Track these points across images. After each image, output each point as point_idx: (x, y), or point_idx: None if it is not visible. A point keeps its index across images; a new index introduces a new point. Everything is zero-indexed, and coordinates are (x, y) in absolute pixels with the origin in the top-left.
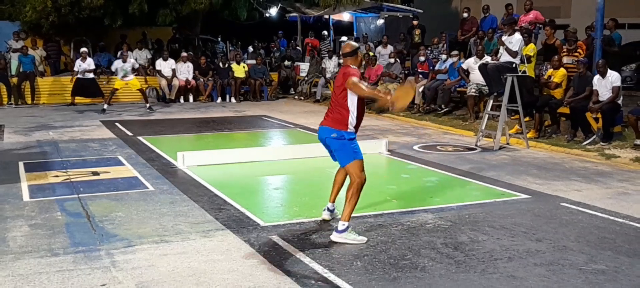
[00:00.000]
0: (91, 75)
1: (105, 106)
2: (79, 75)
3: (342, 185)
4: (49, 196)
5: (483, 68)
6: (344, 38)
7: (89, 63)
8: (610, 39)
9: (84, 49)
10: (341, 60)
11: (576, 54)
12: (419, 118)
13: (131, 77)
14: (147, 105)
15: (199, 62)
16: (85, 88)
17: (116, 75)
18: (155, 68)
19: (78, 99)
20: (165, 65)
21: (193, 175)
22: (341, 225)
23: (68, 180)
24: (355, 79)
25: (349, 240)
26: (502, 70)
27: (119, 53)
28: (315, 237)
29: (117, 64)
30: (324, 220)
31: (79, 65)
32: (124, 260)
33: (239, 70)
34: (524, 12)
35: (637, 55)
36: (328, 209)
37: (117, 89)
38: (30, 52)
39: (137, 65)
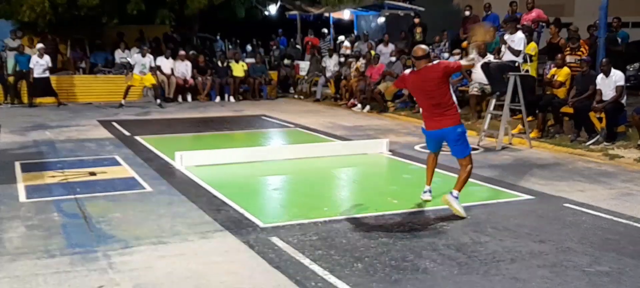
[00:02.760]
0: (47, 74)
1: (123, 102)
2: (36, 75)
3: (434, 168)
4: (45, 197)
5: (485, 67)
6: (341, 37)
7: (46, 60)
8: (614, 38)
9: (40, 45)
10: (341, 59)
11: (579, 52)
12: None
13: (147, 72)
14: (158, 101)
15: (198, 61)
16: (40, 87)
17: (129, 70)
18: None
19: (39, 100)
20: (165, 63)
21: (191, 175)
22: (456, 192)
23: (65, 181)
24: (456, 62)
25: (457, 206)
26: (504, 69)
27: (137, 48)
28: (315, 238)
29: (137, 59)
30: (425, 201)
31: (36, 61)
32: (121, 262)
33: (238, 69)
34: (527, 10)
35: None
36: (429, 191)
37: (131, 86)
38: (27, 51)
39: (153, 63)
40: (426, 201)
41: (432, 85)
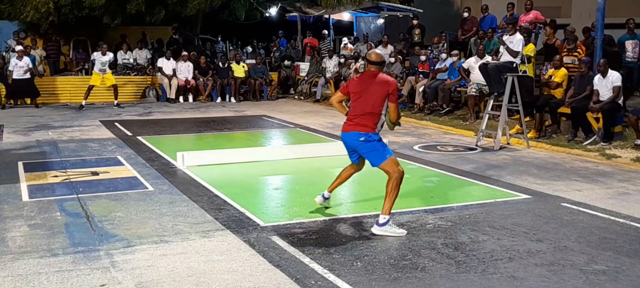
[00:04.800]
0: (28, 75)
1: (84, 103)
2: (15, 76)
3: (345, 180)
4: (48, 196)
5: (483, 68)
6: (345, 39)
7: (26, 62)
8: (611, 39)
9: (19, 47)
10: (341, 60)
11: (576, 53)
12: (419, 118)
13: (108, 71)
14: (116, 102)
15: (199, 62)
16: (21, 89)
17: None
18: (154, 67)
19: (43, 101)
20: (167, 64)
21: (193, 175)
22: (382, 218)
23: (67, 180)
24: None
25: (390, 232)
26: (502, 70)
27: (98, 46)
28: (316, 237)
29: (95, 57)
30: (319, 204)
31: (15, 63)
32: (124, 261)
33: (239, 70)
34: (524, 11)
35: None
36: (323, 196)
37: (93, 86)
38: (31, 52)
39: (112, 61)
40: (321, 205)
41: (378, 95)
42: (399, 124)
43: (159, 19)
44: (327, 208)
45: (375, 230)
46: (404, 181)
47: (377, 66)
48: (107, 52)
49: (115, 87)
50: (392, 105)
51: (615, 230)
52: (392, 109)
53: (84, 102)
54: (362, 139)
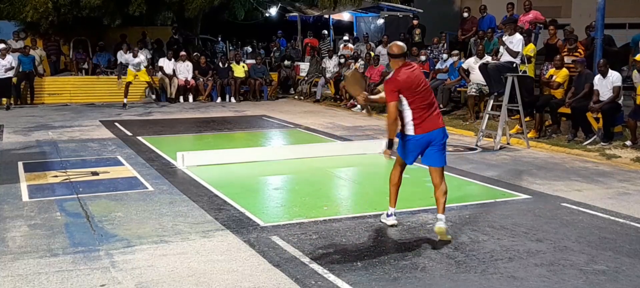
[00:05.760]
0: (10, 74)
1: (125, 100)
2: None
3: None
4: (48, 196)
5: (483, 68)
6: (346, 37)
7: (8, 60)
8: (611, 39)
9: (2, 46)
10: (341, 60)
11: (576, 53)
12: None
13: (142, 68)
14: (153, 96)
15: (199, 62)
16: (1, 88)
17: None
18: (154, 67)
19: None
20: (168, 64)
21: (193, 175)
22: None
23: (67, 180)
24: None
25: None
26: (502, 70)
27: (125, 48)
28: (316, 237)
29: (127, 59)
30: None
31: None
32: (124, 261)
33: (239, 70)
34: (524, 11)
35: None
36: (391, 214)
37: (130, 83)
38: (31, 52)
39: (146, 63)
40: (392, 226)
41: (424, 82)
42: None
43: (168, 21)
44: (325, 208)
45: (444, 224)
46: (404, 181)
47: (403, 58)
48: (139, 54)
49: (149, 84)
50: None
51: (615, 230)
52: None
53: (125, 100)
54: (447, 134)
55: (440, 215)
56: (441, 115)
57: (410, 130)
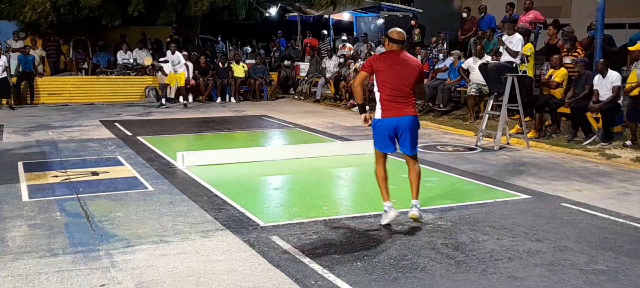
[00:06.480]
0: (5, 74)
1: (164, 101)
2: None
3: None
4: (48, 196)
5: (483, 68)
6: (344, 36)
7: (4, 61)
8: (611, 39)
9: None
10: (341, 60)
11: (575, 53)
12: (419, 118)
13: (180, 70)
14: (184, 102)
15: (199, 62)
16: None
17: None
18: (154, 67)
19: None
20: (167, 64)
21: (192, 175)
22: (418, 202)
23: (67, 180)
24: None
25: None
26: (502, 70)
27: (167, 45)
28: (316, 237)
29: (168, 57)
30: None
31: None
32: (124, 261)
33: (239, 70)
34: (524, 11)
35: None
36: (390, 207)
37: (168, 84)
38: (31, 52)
39: (183, 61)
40: (395, 218)
41: (413, 73)
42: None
43: (171, 21)
44: (325, 208)
45: (418, 212)
46: (404, 181)
47: (400, 45)
48: (176, 52)
49: (180, 89)
50: (421, 87)
51: (615, 230)
52: (420, 90)
53: (163, 100)
54: (417, 123)
55: (414, 201)
56: (415, 108)
57: (378, 114)
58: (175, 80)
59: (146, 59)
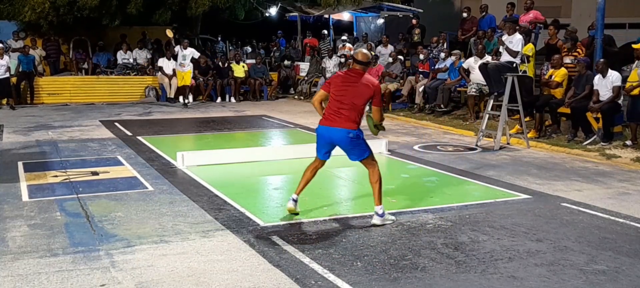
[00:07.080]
0: (8, 74)
1: (185, 101)
2: None
3: (311, 179)
4: (48, 196)
5: (483, 68)
6: (344, 36)
7: (6, 60)
8: (611, 39)
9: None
10: (342, 60)
11: (575, 53)
12: (419, 118)
13: (187, 68)
14: (186, 101)
15: (199, 62)
16: (1, 88)
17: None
18: (154, 67)
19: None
20: (167, 64)
21: (193, 175)
22: (380, 209)
23: (67, 180)
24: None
25: (387, 221)
26: (502, 70)
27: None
28: (315, 237)
29: (178, 51)
30: (291, 210)
31: None
32: (124, 260)
33: (239, 70)
34: (524, 11)
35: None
36: (294, 200)
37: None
38: (31, 52)
39: (195, 56)
40: (292, 211)
41: (364, 93)
42: (383, 129)
43: (167, 20)
44: (325, 208)
45: (377, 220)
46: (404, 181)
47: (363, 66)
48: (188, 47)
49: (186, 88)
50: (376, 108)
51: (615, 230)
52: (376, 112)
53: (185, 100)
54: (351, 135)
55: (376, 207)
56: (353, 123)
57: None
58: (182, 78)
59: (168, 31)
